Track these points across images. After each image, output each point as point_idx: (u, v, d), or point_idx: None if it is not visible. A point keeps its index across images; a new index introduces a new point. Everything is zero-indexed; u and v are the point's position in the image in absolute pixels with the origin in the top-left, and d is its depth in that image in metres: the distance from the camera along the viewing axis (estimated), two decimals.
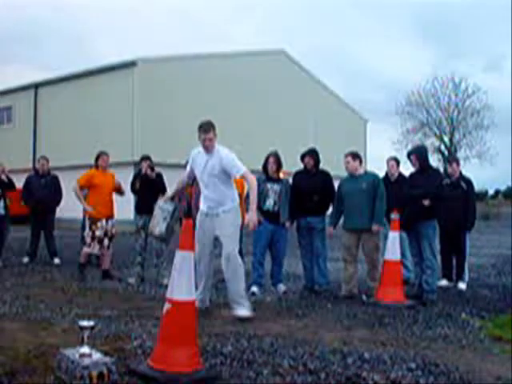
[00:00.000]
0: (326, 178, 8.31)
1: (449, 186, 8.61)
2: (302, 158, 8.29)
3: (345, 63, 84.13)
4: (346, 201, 7.88)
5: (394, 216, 7.64)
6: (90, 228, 9.02)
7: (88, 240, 9.05)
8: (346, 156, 8.00)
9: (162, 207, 7.13)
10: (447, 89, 47.03)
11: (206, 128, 6.34)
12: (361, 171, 7.97)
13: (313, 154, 8.28)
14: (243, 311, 6.22)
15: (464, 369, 4.53)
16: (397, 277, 7.49)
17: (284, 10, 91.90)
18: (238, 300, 6.32)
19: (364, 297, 7.56)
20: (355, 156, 7.97)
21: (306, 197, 8.09)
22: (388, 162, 9.19)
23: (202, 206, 6.63)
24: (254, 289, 8.04)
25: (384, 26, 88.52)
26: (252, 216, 6.21)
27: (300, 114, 29.72)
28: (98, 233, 9.01)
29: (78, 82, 26.17)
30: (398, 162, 9.19)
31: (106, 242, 9.11)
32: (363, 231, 7.76)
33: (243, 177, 6.37)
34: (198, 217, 6.69)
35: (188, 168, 6.82)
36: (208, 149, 6.38)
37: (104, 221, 9.07)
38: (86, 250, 9.14)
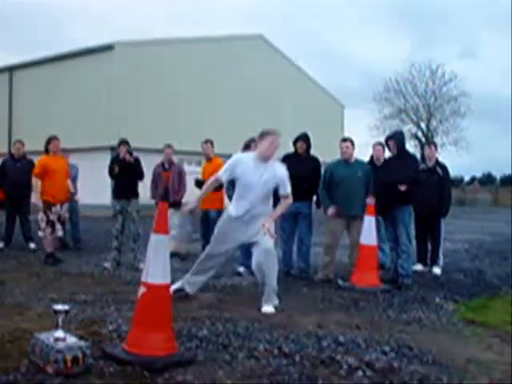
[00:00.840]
0: (316, 163, 8.34)
1: (425, 171, 8.67)
2: (295, 142, 8.32)
3: (323, 49, 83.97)
4: (341, 187, 7.89)
5: (370, 200, 7.68)
6: (45, 213, 8.99)
7: (43, 225, 9.03)
8: (345, 141, 8.08)
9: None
10: (424, 76, 47.28)
11: (279, 134, 6.19)
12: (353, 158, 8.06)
13: (305, 138, 8.31)
14: (270, 308, 6.04)
15: (437, 351, 4.59)
16: (372, 261, 7.54)
17: None
18: (270, 294, 6.15)
19: (340, 281, 7.60)
20: (352, 142, 8.04)
21: (295, 182, 8.09)
22: (374, 146, 9.20)
23: (236, 210, 6.27)
24: (241, 269, 8.28)
25: (362, 11, 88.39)
26: (270, 223, 6.14)
27: (277, 99, 29.64)
28: (52, 217, 9.00)
29: (54, 66, 25.89)
30: (383, 148, 9.23)
31: (58, 226, 9.13)
32: (354, 217, 7.82)
33: (287, 196, 6.30)
34: (225, 218, 6.42)
35: (226, 171, 6.27)
36: (271, 157, 6.20)
37: (58, 206, 9.06)
38: (41, 234, 9.19)
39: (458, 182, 47.41)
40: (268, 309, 6.00)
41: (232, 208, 6.34)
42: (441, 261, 9.00)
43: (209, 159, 9.68)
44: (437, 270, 8.80)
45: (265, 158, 6.15)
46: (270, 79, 29.58)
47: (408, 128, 46.91)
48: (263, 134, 6.20)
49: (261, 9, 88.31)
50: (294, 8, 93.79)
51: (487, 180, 64.32)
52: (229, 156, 6.50)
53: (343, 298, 6.73)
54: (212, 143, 9.68)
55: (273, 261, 6.13)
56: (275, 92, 29.71)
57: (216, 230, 6.49)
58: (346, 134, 35.73)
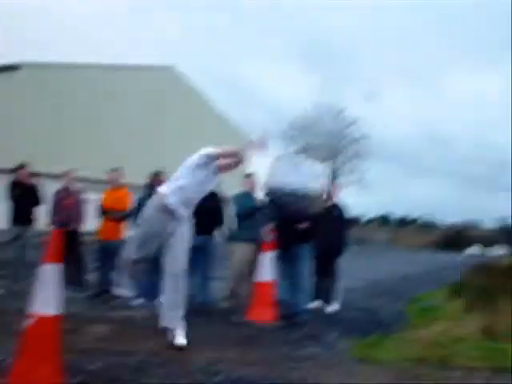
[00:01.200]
0: (218, 198, 8.36)
1: (324, 210, 8.85)
2: None
3: (233, 84, 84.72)
4: (250, 218, 8.06)
5: (268, 236, 7.77)
6: None
7: None
8: (251, 176, 8.57)
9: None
10: (329, 116, 48.42)
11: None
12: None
13: None
14: (182, 339, 5.80)
15: None
16: (269, 297, 7.59)
17: (175, 29, 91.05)
18: (178, 323, 5.89)
19: (236, 316, 7.58)
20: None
21: (199, 216, 8.03)
22: None
23: (179, 207, 5.88)
24: (137, 301, 8.17)
25: (272, 50, 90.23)
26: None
27: (185, 131, 29.62)
28: None
29: None
30: None
31: None
32: (258, 250, 7.93)
33: None
34: (158, 211, 5.89)
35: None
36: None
37: None
38: None
39: (357, 221, 48.70)
40: (183, 341, 5.79)
41: (176, 203, 5.86)
42: (337, 298, 9.16)
43: (115, 187, 9.43)
44: (333, 308, 8.94)
45: (220, 170, 6.11)
46: (178, 112, 29.56)
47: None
48: (234, 153, 6.15)
49: (173, 41, 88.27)
50: (207, 43, 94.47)
51: (386, 220, 66.41)
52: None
53: (239, 334, 6.71)
54: (121, 171, 9.49)
55: (183, 285, 5.95)
56: (184, 125, 29.69)
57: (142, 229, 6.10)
58: (251, 169, 36.17)
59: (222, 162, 6.06)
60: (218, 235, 8.51)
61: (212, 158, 5.94)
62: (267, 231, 7.84)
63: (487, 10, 78.74)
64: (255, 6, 78.81)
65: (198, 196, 6.00)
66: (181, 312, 5.93)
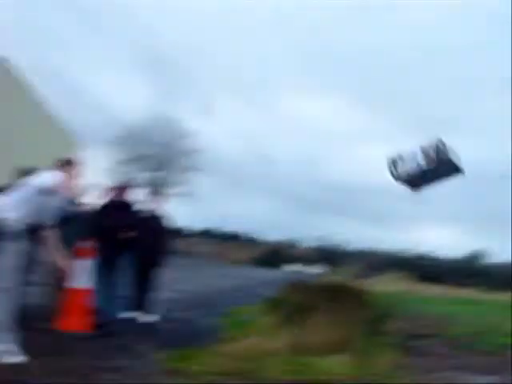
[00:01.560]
0: None
1: (146, 220, 8.84)
2: None
3: (66, 85, 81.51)
4: (70, 224, 7.75)
5: (85, 244, 7.60)
6: None
7: None
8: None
9: None
10: (162, 127, 48.25)
11: None
12: None
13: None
14: (20, 356, 5.44)
15: None
16: (83, 305, 7.42)
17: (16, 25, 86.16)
18: (10, 340, 5.48)
19: (46, 324, 7.30)
20: None
21: None
22: (117, 189, 9.07)
23: (16, 225, 5.55)
24: None
25: (110, 56, 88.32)
26: None
27: (10, 130, 28.08)
28: None
29: None
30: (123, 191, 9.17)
31: None
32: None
33: None
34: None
35: None
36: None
37: None
38: None
39: (180, 232, 48.78)
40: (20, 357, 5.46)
41: (15, 221, 5.55)
42: (155, 309, 9.15)
43: None
44: (150, 318, 8.91)
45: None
46: (4, 107, 27.97)
47: (142, 176, 47.35)
48: (75, 163, 6.13)
49: (13, 37, 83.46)
50: (48, 42, 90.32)
51: (211, 234, 67.17)
52: None
53: (48, 342, 6.47)
54: None
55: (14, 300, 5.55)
56: (9, 122, 28.13)
57: None
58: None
59: (65, 183, 6.01)
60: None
61: (53, 189, 5.82)
62: (84, 239, 7.66)
63: (330, 31, 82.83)
64: (98, 8, 77.07)
65: (39, 218, 5.80)
66: (11, 329, 5.58)
